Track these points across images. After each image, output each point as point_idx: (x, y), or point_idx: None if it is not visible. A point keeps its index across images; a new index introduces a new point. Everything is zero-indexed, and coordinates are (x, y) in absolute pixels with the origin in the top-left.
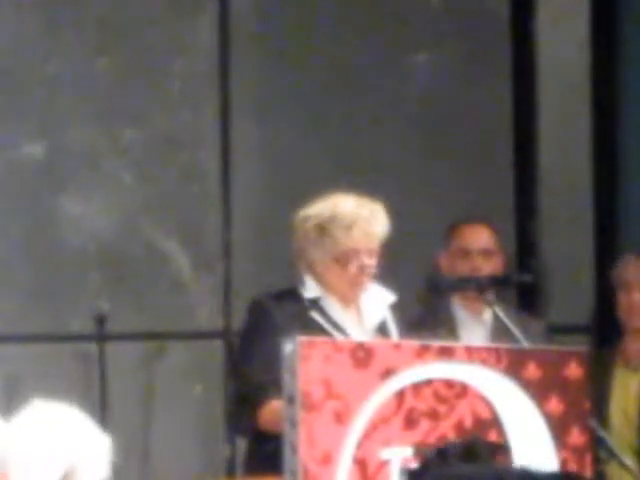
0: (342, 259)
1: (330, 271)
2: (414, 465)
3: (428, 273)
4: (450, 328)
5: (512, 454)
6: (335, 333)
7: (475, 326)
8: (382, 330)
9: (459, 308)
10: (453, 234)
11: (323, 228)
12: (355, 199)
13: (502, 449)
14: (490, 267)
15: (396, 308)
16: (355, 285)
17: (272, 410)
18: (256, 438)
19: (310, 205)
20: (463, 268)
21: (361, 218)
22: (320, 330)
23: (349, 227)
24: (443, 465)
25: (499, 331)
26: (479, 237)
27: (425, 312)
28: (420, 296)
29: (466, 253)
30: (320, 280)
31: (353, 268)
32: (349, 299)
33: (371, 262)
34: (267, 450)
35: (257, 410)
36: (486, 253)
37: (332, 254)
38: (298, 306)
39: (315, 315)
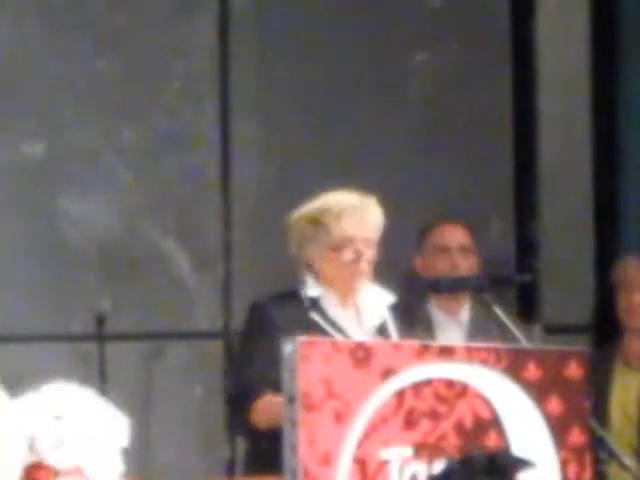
0: (336, 247)
1: (327, 262)
2: (437, 471)
3: (405, 274)
4: (426, 328)
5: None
6: (335, 334)
7: (451, 327)
8: (382, 331)
9: (435, 309)
10: (428, 234)
11: (315, 220)
12: (346, 192)
13: (526, 465)
14: (468, 265)
15: (396, 309)
16: (354, 273)
17: (262, 404)
18: (253, 437)
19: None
20: (442, 266)
21: (351, 206)
22: (320, 331)
23: (339, 215)
24: (466, 476)
25: (475, 332)
26: (456, 234)
27: (402, 312)
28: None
29: (444, 250)
30: (319, 276)
31: (349, 255)
32: (349, 291)
33: (368, 251)
34: (265, 449)
35: (248, 408)
36: (464, 250)
37: (326, 244)
38: (298, 308)
39: (315, 316)
